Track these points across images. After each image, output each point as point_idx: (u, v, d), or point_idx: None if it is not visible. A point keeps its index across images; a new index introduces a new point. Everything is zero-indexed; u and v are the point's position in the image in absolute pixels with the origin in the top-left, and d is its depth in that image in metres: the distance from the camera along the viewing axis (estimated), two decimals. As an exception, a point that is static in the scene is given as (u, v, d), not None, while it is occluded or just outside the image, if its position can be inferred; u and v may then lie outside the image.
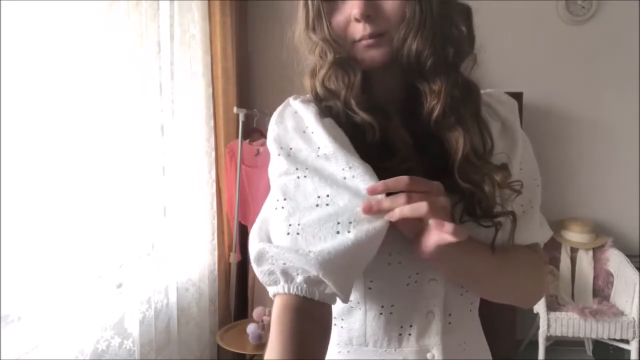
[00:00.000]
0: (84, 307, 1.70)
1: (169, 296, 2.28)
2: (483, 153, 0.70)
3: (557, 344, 3.06)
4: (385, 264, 0.70)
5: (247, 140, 2.85)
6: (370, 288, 0.72)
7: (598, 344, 3.09)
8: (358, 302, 0.73)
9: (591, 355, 3.21)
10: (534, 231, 0.77)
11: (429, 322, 0.72)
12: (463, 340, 0.76)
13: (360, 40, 0.69)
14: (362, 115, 0.70)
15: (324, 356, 0.64)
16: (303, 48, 0.76)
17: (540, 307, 2.82)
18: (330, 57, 0.71)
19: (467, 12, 0.72)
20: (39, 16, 1.50)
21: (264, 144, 2.83)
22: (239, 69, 3.01)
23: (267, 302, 2.79)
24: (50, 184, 1.57)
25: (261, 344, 2.35)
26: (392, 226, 0.64)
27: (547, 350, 2.85)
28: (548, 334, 2.81)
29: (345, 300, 0.64)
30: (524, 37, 3.27)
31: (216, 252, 2.75)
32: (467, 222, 0.69)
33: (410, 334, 0.72)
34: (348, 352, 0.75)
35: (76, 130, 1.67)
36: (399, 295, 0.72)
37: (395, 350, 0.73)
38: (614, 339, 2.81)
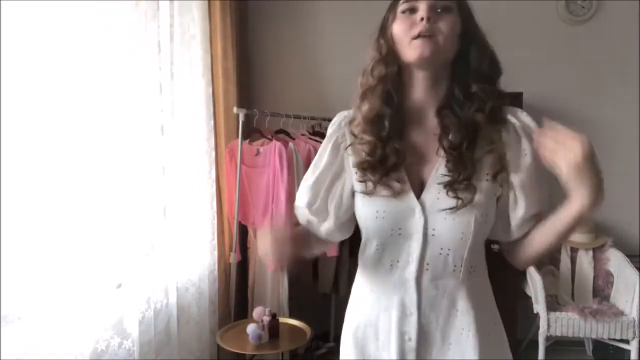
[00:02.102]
0: (83, 307, 1.70)
1: (168, 296, 2.28)
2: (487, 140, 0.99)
3: (557, 344, 3.06)
4: (373, 219, 1.03)
5: (247, 140, 2.84)
6: (367, 234, 1.07)
7: (598, 344, 3.09)
8: (365, 240, 1.08)
9: (591, 355, 3.21)
10: (533, 204, 1.01)
11: (409, 262, 1.03)
12: (435, 280, 1.02)
13: (418, 36, 0.95)
14: (377, 100, 1.02)
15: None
16: (370, 50, 1.05)
17: (540, 307, 2.82)
18: (384, 52, 1.01)
19: (492, 52, 1.07)
20: (39, 16, 1.50)
21: (263, 144, 2.83)
22: (239, 69, 3.00)
23: (267, 302, 2.79)
24: (50, 184, 1.57)
25: (261, 344, 2.35)
26: (379, 193, 1.01)
27: (547, 350, 2.85)
28: (548, 334, 2.81)
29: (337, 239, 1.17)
30: (524, 37, 3.27)
31: (216, 252, 2.75)
32: (440, 192, 0.99)
33: (398, 267, 1.05)
34: (364, 273, 1.12)
35: (76, 130, 1.67)
36: (386, 239, 1.04)
37: (386, 276, 1.06)
38: (614, 339, 2.81)
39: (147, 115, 2.10)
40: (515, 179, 1.00)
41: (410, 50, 0.97)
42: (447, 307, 1.04)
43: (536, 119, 3.39)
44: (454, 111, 1.00)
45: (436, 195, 1.00)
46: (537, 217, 1.02)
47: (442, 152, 1.01)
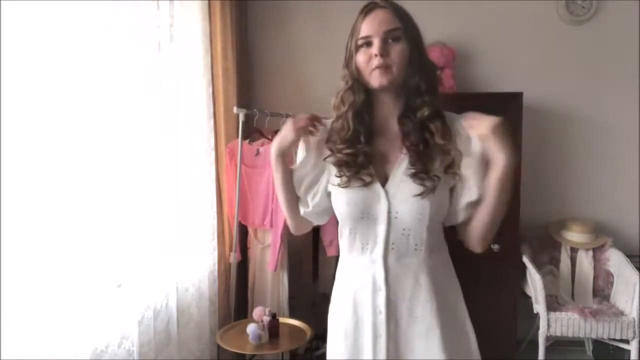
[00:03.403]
0: (83, 307, 1.70)
1: (168, 296, 2.28)
2: (443, 139, 1.20)
3: (557, 344, 3.06)
4: (345, 204, 1.22)
5: (247, 140, 2.84)
6: (342, 219, 1.25)
7: (598, 344, 3.09)
8: (341, 225, 1.27)
9: (591, 355, 3.21)
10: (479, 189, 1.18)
11: (376, 244, 1.22)
12: (400, 258, 1.21)
13: (376, 68, 1.17)
14: (349, 122, 1.23)
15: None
16: (339, 77, 1.26)
17: (540, 307, 2.82)
18: (350, 83, 1.22)
19: (435, 66, 1.27)
20: (39, 17, 1.50)
21: (263, 144, 2.83)
22: (239, 69, 3.00)
23: (267, 302, 2.79)
24: (51, 184, 1.57)
25: (261, 344, 2.35)
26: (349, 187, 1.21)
27: (547, 350, 2.85)
28: (548, 334, 2.81)
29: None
30: (524, 37, 3.27)
31: (216, 252, 2.75)
32: (402, 181, 1.19)
33: (367, 249, 1.23)
34: (343, 256, 1.30)
35: (76, 130, 1.67)
36: (357, 223, 1.23)
37: (360, 257, 1.24)
38: (614, 339, 2.81)
39: (147, 115, 2.10)
40: (467, 170, 1.18)
41: (372, 80, 1.19)
42: (412, 283, 1.21)
43: (536, 119, 3.40)
44: (410, 119, 1.21)
45: (398, 184, 1.20)
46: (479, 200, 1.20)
47: (404, 151, 1.21)
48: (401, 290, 1.20)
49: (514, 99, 2.94)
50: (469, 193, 1.19)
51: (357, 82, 1.21)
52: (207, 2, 2.71)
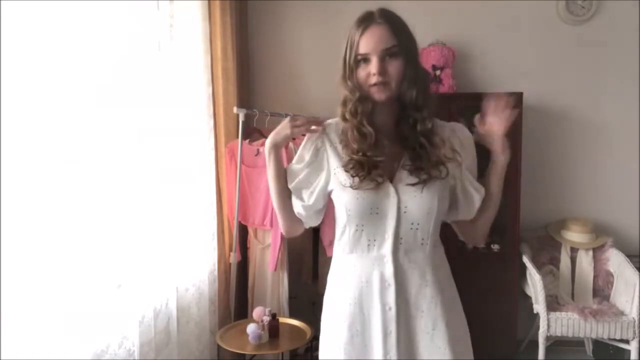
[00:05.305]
0: (83, 307, 1.70)
1: (168, 296, 2.28)
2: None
3: (557, 344, 3.06)
4: (355, 199, 1.23)
5: (247, 140, 2.84)
6: (349, 215, 1.25)
7: (598, 344, 3.09)
8: (345, 224, 1.27)
9: (591, 355, 3.21)
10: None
11: (385, 239, 1.24)
12: (408, 253, 1.24)
13: (374, 84, 1.21)
14: (367, 128, 1.24)
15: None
16: (340, 87, 1.28)
17: (540, 307, 2.82)
18: (357, 95, 1.24)
19: (428, 75, 1.33)
20: (39, 17, 1.50)
21: (263, 144, 2.83)
22: (239, 69, 3.00)
23: (267, 302, 2.79)
24: (51, 184, 1.57)
25: (261, 344, 2.35)
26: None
27: (547, 350, 2.85)
28: (548, 334, 2.81)
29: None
30: (524, 37, 3.27)
31: (216, 252, 2.75)
32: (407, 176, 1.24)
33: (375, 245, 1.25)
34: (343, 256, 1.30)
35: (76, 130, 1.67)
36: (365, 219, 1.24)
37: (365, 255, 1.26)
38: (614, 339, 2.81)
39: (146, 115, 2.10)
40: (470, 173, 1.28)
41: (371, 94, 1.23)
42: (418, 278, 1.24)
43: (536, 119, 3.39)
44: (407, 125, 1.26)
45: (405, 180, 1.23)
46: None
47: (404, 151, 1.27)
48: (409, 286, 1.23)
49: (514, 99, 2.93)
50: (478, 190, 1.28)
51: (363, 93, 1.25)
52: (207, 2, 2.71)
